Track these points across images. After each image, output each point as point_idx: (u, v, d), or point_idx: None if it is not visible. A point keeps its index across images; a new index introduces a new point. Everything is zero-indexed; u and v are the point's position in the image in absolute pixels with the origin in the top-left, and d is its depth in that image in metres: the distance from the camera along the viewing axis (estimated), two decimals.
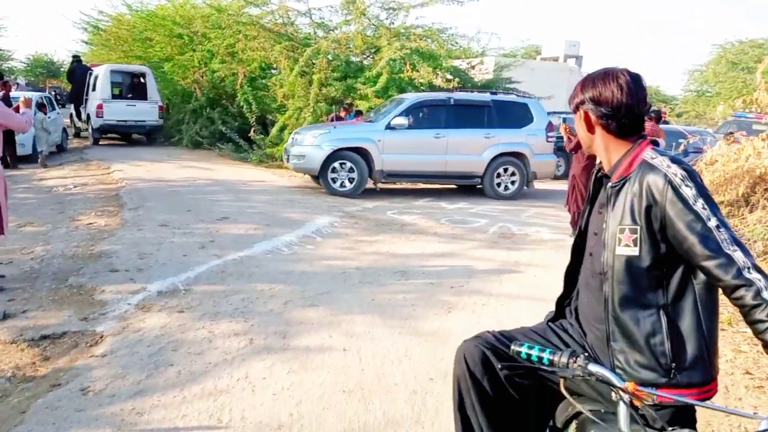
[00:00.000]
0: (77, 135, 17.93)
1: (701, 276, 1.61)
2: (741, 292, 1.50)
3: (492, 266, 5.97)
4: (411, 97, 10.55)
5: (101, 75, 15.84)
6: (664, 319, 1.63)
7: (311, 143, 9.83)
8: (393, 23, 14.48)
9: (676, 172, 1.59)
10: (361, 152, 9.83)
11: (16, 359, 3.60)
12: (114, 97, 15.70)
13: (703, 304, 1.64)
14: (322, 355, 3.68)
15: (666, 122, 15.42)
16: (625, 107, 1.69)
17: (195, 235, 6.49)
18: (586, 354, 1.66)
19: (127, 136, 16.45)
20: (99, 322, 4.10)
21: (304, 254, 6.04)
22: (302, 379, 3.35)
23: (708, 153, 7.67)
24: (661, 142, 8.33)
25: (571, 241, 2.01)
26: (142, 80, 16.30)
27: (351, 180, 9.83)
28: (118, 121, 15.43)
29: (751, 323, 1.50)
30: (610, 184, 1.75)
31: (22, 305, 4.35)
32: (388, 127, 9.90)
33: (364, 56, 14.55)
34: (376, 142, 9.83)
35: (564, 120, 7.48)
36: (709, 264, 1.53)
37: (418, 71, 12.59)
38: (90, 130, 15.90)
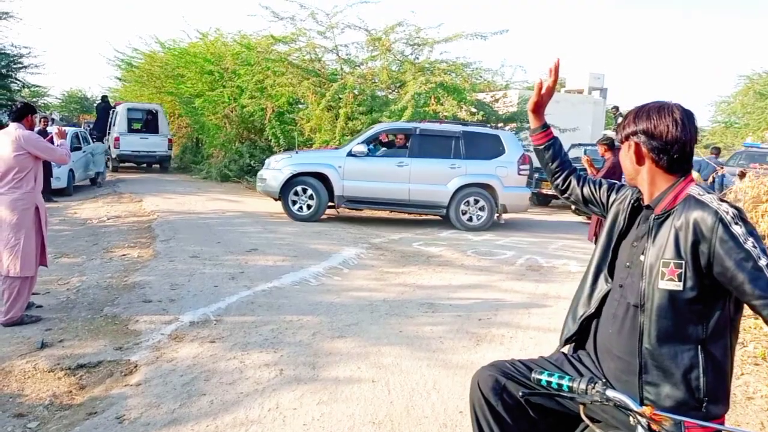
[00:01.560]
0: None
1: (737, 309, 1.63)
2: None
3: (520, 299, 5.96)
4: (379, 126, 10.77)
5: (120, 112, 18.20)
6: (702, 354, 1.64)
7: (274, 167, 10.23)
8: (418, 58, 14.73)
9: (727, 210, 1.61)
10: (322, 178, 9.99)
11: (53, 387, 3.70)
12: (130, 131, 17.90)
13: (732, 335, 1.66)
14: (351, 386, 3.70)
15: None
16: (679, 143, 1.72)
17: (225, 266, 6.61)
18: (604, 380, 1.68)
19: (140, 164, 18.57)
20: (133, 352, 4.18)
21: (331, 285, 6.10)
22: (332, 410, 3.38)
23: (736, 186, 7.60)
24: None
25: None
26: (154, 117, 18.49)
27: (310, 206, 10.03)
28: (132, 151, 17.76)
29: None
30: (653, 215, 1.76)
31: (59, 335, 4.47)
32: (350, 154, 10.05)
33: (390, 90, 14.79)
34: (337, 168, 10.00)
35: (585, 152, 7.41)
36: (758, 303, 1.54)
37: (442, 105, 12.76)
38: (110, 160, 17.89)
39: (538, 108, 2.19)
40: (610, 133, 11.84)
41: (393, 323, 4.96)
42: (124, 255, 7.13)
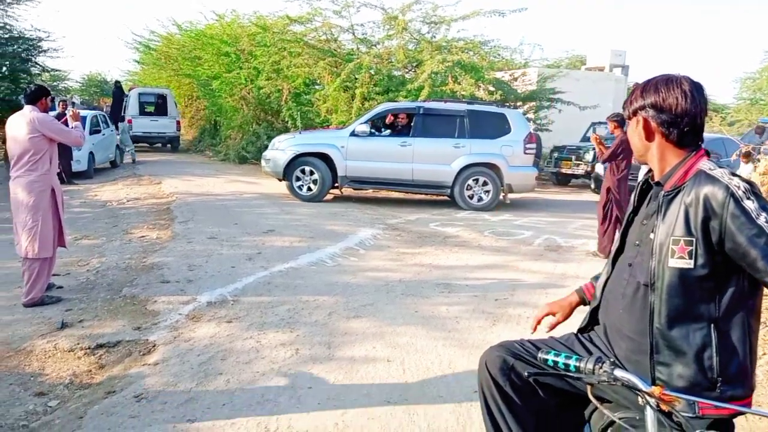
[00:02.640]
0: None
1: (753, 287, 1.58)
2: None
3: (537, 279, 5.90)
4: (382, 106, 10.69)
5: (132, 96, 19.53)
6: (714, 333, 1.59)
7: (278, 147, 10.26)
8: (435, 37, 14.54)
9: (738, 185, 1.55)
10: (325, 158, 9.96)
11: (73, 367, 3.76)
12: (141, 113, 19.07)
13: (751, 316, 1.60)
14: (366, 365, 3.70)
15: None
16: (689, 115, 1.66)
17: (242, 247, 6.64)
18: (612, 360, 1.64)
19: (152, 144, 19.83)
20: (151, 332, 4.23)
21: (347, 266, 6.10)
22: (347, 389, 3.38)
23: (762, 163, 7.40)
24: None
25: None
26: (164, 100, 19.56)
27: (314, 186, 10.06)
28: (143, 132, 18.94)
29: None
30: (662, 192, 1.71)
31: (79, 315, 4.53)
32: (353, 134, 10.01)
33: (407, 70, 14.63)
34: (340, 149, 9.97)
35: (594, 129, 7.18)
36: None
37: (460, 84, 12.60)
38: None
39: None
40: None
41: (409, 303, 4.94)
42: (143, 236, 7.20)
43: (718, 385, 1.59)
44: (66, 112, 12.86)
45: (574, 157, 13.76)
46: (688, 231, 1.60)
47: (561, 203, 11.82)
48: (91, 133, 13.95)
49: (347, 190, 10.91)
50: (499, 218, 9.41)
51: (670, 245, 1.62)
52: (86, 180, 12.76)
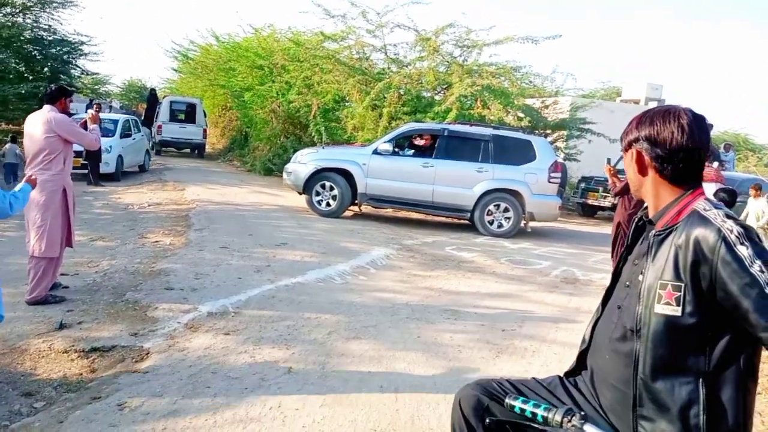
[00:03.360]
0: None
1: (749, 341, 1.43)
2: None
3: (550, 312, 5.72)
4: (406, 126, 10.63)
5: (164, 104, 20.98)
6: (702, 389, 1.44)
7: (301, 161, 10.26)
8: (466, 60, 14.52)
9: (731, 228, 1.42)
10: (346, 174, 9.88)
11: (65, 368, 3.72)
12: (171, 120, 20.25)
13: (746, 375, 1.45)
14: (358, 390, 3.58)
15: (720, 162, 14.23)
16: (684, 151, 1.54)
17: (252, 258, 6.59)
18: (583, 413, 1.50)
19: (180, 149, 21.05)
20: (147, 339, 4.18)
21: (355, 285, 6.00)
22: (334, 413, 3.26)
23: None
24: (712, 187, 7.67)
25: None
26: (193, 109, 20.66)
27: (333, 202, 10.00)
28: (172, 138, 20.29)
29: None
30: (653, 231, 1.59)
31: (79, 316, 4.51)
32: (375, 152, 9.92)
33: (436, 92, 14.62)
34: (361, 166, 9.89)
35: (609, 161, 6.98)
36: (765, 336, 1.36)
37: (488, 108, 12.51)
38: (152, 143, 20.41)
39: None
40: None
41: (412, 328, 4.81)
42: (156, 242, 7.21)
43: None
44: (102, 117, 13.27)
45: (601, 189, 13.49)
46: (677, 275, 1.46)
47: (584, 235, 11.56)
48: (122, 136, 14.21)
49: (366, 208, 10.86)
50: (518, 246, 9.22)
51: (657, 289, 1.49)
52: (113, 182, 12.97)
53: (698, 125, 1.55)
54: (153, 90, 26.61)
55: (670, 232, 1.53)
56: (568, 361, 4.35)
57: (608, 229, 12.11)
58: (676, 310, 1.45)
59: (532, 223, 10.28)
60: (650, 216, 1.64)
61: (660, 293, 1.48)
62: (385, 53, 15.13)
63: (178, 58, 27.19)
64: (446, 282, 6.47)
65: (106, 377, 3.59)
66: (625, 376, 1.56)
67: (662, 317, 1.48)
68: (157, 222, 8.59)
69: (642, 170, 1.63)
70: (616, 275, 1.74)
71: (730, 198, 6.52)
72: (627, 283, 1.65)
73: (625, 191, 6.59)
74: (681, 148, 1.53)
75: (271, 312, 4.89)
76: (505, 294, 6.22)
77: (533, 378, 1.87)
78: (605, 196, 13.39)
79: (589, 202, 13.86)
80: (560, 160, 11.47)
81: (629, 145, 1.65)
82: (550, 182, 9.98)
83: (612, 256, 6.83)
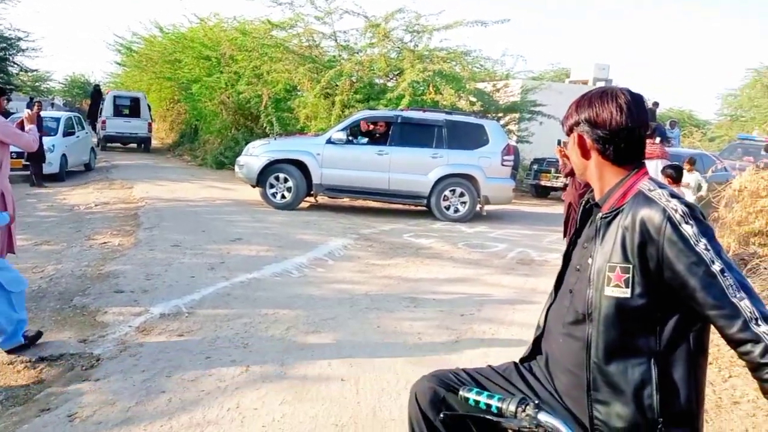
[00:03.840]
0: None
1: (698, 319, 1.44)
2: (747, 347, 1.34)
3: (507, 294, 5.78)
4: (359, 114, 10.56)
5: (107, 99, 20.87)
6: (654, 369, 1.45)
7: (253, 153, 10.10)
8: (417, 46, 14.47)
9: (676, 207, 1.42)
10: (300, 165, 9.81)
11: (11, 381, 3.56)
12: (116, 115, 20.17)
13: (696, 352, 1.46)
14: (318, 385, 3.53)
15: (666, 139, 14.66)
16: (625, 130, 1.53)
17: (206, 256, 6.44)
18: (537, 402, 1.49)
19: (125, 144, 21.11)
20: (97, 345, 4.03)
21: (313, 277, 5.94)
22: (295, 410, 3.21)
23: (736, 180, 7.35)
24: (658, 164, 7.86)
25: None
26: (137, 103, 20.61)
27: (288, 194, 9.90)
28: (117, 132, 20.11)
29: (759, 380, 1.35)
30: (599, 214, 1.59)
31: None
32: (329, 141, 9.86)
33: (388, 78, 14.56)
34: (315, 156, 9.81)
35: (559, 142, 7.12)
36: (712, 314, 1.37)
37: (441, 93, 12.53)
38: (98, 139, 20.57)
39: None
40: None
41: (372, 318, 4.79)
42: (104, 243, 6.97)
43: (659, 426, 1.45)
44: (44, 116, 12.74)
45: (553, 170, 13.72)
46: (625, 257, 1.46)
47: (538, 216, 11.74)
48: (65, 135, 13.67)
49: (322, 199, 10.76)
50: (475, 230, 9.30)
51: (606, 272, 1.49)
52: (57, 183, 12.48)
53: (636, 104, 1.55)
54: (97, 86, 26.47)
55: (617, 214, 1.53)
56: (527, 342, 4.41)
57: (561, 209, 12.36)
58: (625, 292, 1.45)
59: (487, 207, 10.37)
60: (597, 199, 1.64)
61: (609, 276, 1.48)
62: (335, 40, 14.95)
63: (122, 52, 26.30)
64: (405, 270, 6.46)
65: (54, 388, 3.45)
66: (578, 360, 1.56)
67: (612, 300, 1.48)
68: (104, 222, 8.30)
69: (585, 153, 1.62)
70: (567, 259, 1.74)
71: (676, 174, 6.69)
72: (577, 266, 1.65)
73: (574, 172, 6.69)
74: (621, 127, 1.53)
75: (227, 310, 4.79)
76: (463, 279, 6.26)
77: (489, 366, 1.85)
78: (557, 177, 13.62)
79: (542, 183, 14.09)
80: (512, 143, 11.58)
81: (570, 129, 1.64)
82: (503, 165, 10.07)
83: (564, 237, 6.96)
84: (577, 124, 1.61)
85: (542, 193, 14.64)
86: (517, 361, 1.84)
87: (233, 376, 3.61)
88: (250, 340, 4.17)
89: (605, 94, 1.57)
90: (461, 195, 9.97)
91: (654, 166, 7.47)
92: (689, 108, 35.11)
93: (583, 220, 1.72)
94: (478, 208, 10.09)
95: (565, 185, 13.24)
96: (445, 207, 9.95)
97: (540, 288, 6.01)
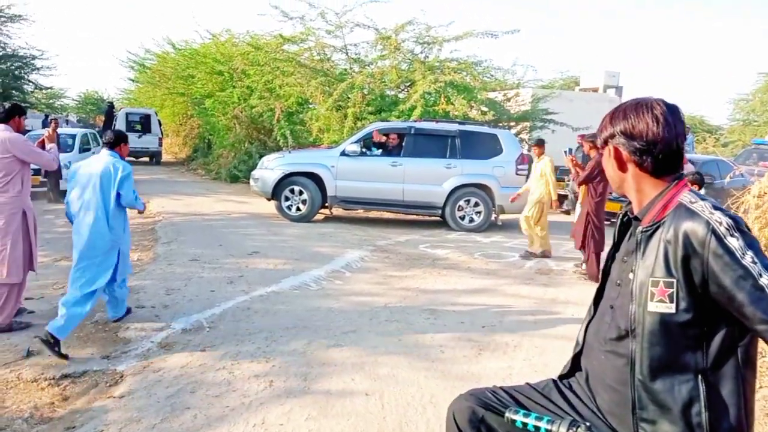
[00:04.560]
0: None
1: (745, 334, 1.41)
2: None
3: (527, 304, 5.74)
4: (372, 126, 10.59)
5: (120, 115, 21.86)
6: (702, 386, 1.42)
7: (267, 167, 10.14)
8: (427, 57, 14.51)
9: (720, 220, 1.39)
10: (315, 178, 9.83)
11: (35, 399, 3.56)
12: (128, 130, 19.98)
13: (744, 367, 1.43)
14: (342, 400, 3.51)
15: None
16: (663, 142, 1.51)
17: (224, 269, 6.45)
18: (588, 424, 1.46)
19: (137, 158, 21.70)
20: (120, 361, 4.04)
21: (331, 290, 5.93)
22: (320, 426, 3.19)
23: (755, 185, 7.25)
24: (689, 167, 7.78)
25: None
26: (148, 119, 21.63)
27: (303, 206, 9.92)
28: (130, 147, 19.32)
29: None
30: (640, 228, 1.55)
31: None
32: (343, 153, 9.88)
33: (399, 90, 14.59)
34: (330, 168, 9.85)
35: (569, 151, 7.03)
36: (762, 328, 1.34)
37: (452, 104, 12.53)
38: None
39: None
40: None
41: (392, 330, 4.76)
42: None
43: None
44: (60, 133, 12.87)
45: (566, 179, 13.65)
46: (668, 271, 1.44)
47: (554, 225, 11.63)
48: (81, 151, 13.82)
49: (337, 211, 10.76)
50: (490, 240, 9.26)
51: (649, 287, 1.46)
52: None
53: (672, 114, 1.53)
54: (111, 103, 27.27)
55: (658, 228, 1.50)
56: (550, 353, 4.38)
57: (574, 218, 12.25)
58: (670, 307, 1.43)
59: (502, 216, 10.33)
60: (635, 212, 1.61)
61: (652, 291, 1.45)
62: (346, 53, 15.03)
63: (135, 68, 26.64)
64: (422, 281, 6.44)
65: (79, 405, 3.46)
66: (621, 377, 1.53)
67: (657, 315, 1.45)
68: None
69: (621, 166, 1.60)
70: (606, 274, 1.71)
71: (699, 182, 6.53)
72: (618, 281, 1.62)
73: (587, 180, 6.61)
74: (658, 138, 1.51)
75: (248, 324, 4.79)
76: (482, 289, 6.22)
77: (527, 383, 1.82)
78: (568, 185, 13.53)
79: (556, 191, 13.98)
80: (526, 152, 11.54)
81: (605, 142, 1.62)
82: (517, 174, 10.06)
83: (580, 247, 6.86)
84: (613, 136, 1.58)
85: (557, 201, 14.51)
86: (555, 378, 1.81)
87: (257, 391, 3.60)
88: (271, 355, 4.16)
89: (640, 105, 1.55)
90: (476, 205, 9.95)
91: None
92: (700, 114, 34.85)
93: (621, 233, 1.69)
94: (492, 217, 10.06)
95: (565, 196, 12.97)
96: (459, 217, 9.94)
97: (560, 298, 5.96)
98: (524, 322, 5.14)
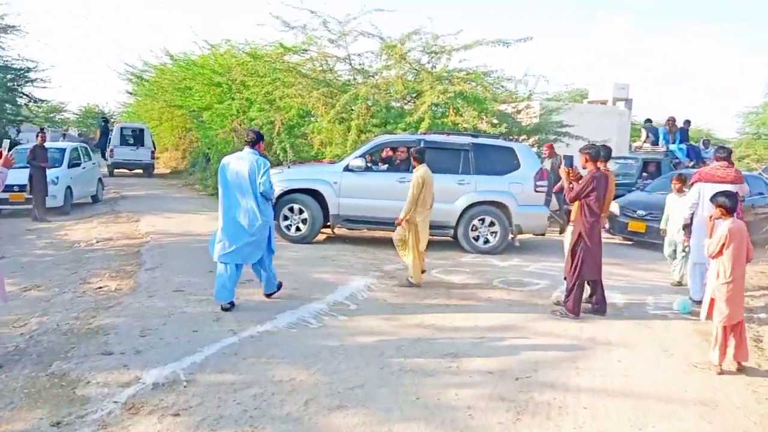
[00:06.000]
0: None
1: None
2: None
3: (562, 345, 4.94)
4: (378, 139, 9.80)
5: (115, 129, 22.96)
6: None
7: None
8: (435, 67, 13.81)
9: None
10: (316, 195, 9.05)
11: None
12: (122, 144, 21.95)
13: None
14: None
15: (702, 160, 13.72)
16: None
17: (211, 302, 5.63)
18: None
19: (131, 169, 22.33)
20: (73, 429, 3.25)
21: (334, 328, 5.14)
22: None
23: None
24: (744, 188, 6.84)
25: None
26: (141, 133, 22.35)
27: (303, 226, 9.10)
28: (124, 159, 21.91)
29: None
30: None
31: None
32: (347, 168, 9.08)
33: (406, 101, 13.87)
34: (332, 185, 9.04)
35: (570, 163, 6.12)
36: None
37: (462, 116, 11.80)
38: (107, 166, 22.08)
39: None
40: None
41: (408, 385, 3.96)
42: (100, 288, 6.23)
43: None
44: (48, 146, 12.24)
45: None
46: None
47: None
48: (70, 166, 13.13)
49: (340, 230, 9.97)
50: (509, 263, 8.45)
51: None
52: (62, 216, 11.87)
53: None
54: (105, 118, 28.75)
55: None
56: (602, 416, 3.54)
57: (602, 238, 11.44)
58: None
59: (519, 237, 9.53)
60: None
61: None
62: (350, 63, 14.32)
63: (133, 81, 26.02)
64: (439, 316, 5.63)
65: None
66: None
67: None
68: (104, 262, 7.58)
69: None
70: None
71: (730, 204, 4.67)
72: None
73: (579, 196, 5.81)
74: None
75: (234, 376, 3.99)
76: (507, 326, 5.42)
77: None
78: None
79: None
80: (544, 166, 10.75)
81: None
82: (536, 191, 9.26)
83: (568, 270, 5.98)
84: None
85: None
86: None
87: None
88: (260, 421, 3.37)
89: None
90: (491, 224, 9.14)
91: (710, 190, 6.34)
92: (707, 127, 34.19)
93: None
94: (510, 238, 9.25)
95: (556, 211, 11.91)
96: (473, 237, 9.13)
97: (599, 338, 5.16)
98: (564, 370, 4.33)
